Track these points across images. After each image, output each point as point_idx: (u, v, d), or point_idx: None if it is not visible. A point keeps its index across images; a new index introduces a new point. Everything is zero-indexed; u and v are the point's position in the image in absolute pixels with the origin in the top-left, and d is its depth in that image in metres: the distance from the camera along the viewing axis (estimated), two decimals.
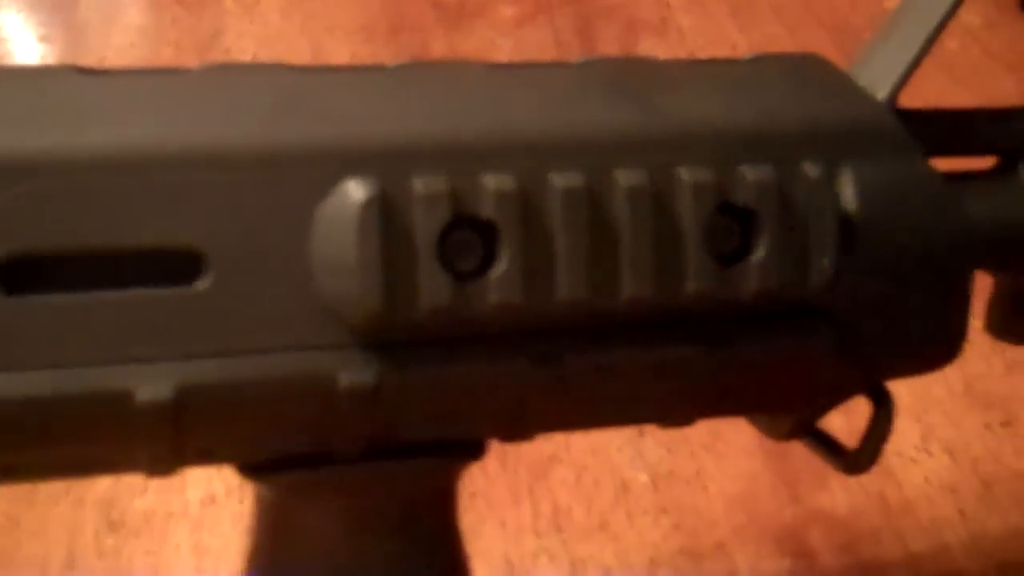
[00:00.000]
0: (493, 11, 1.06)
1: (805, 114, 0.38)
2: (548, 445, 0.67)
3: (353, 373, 0.33)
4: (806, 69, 0.40)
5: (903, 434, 0.69)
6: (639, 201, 0.34)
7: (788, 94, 0.38)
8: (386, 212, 0.32)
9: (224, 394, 0.32)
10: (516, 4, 1.06)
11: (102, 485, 0.64)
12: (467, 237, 0.33)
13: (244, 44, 1.02)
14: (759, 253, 0.35)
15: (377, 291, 0.32)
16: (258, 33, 1.04)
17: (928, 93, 0.99)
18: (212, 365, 0.32)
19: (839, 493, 0.65)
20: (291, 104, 0.34)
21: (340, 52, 1.01)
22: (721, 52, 1.01)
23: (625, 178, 0.34)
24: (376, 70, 0.36)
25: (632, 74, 0.38)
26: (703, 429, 0.68)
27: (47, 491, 0.64)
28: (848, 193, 0.37)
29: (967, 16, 1.08)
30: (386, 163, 0.32)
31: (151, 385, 0.31)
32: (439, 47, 1.01)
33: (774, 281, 0.35)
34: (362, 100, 0.34)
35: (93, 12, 1.10)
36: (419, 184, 0.32)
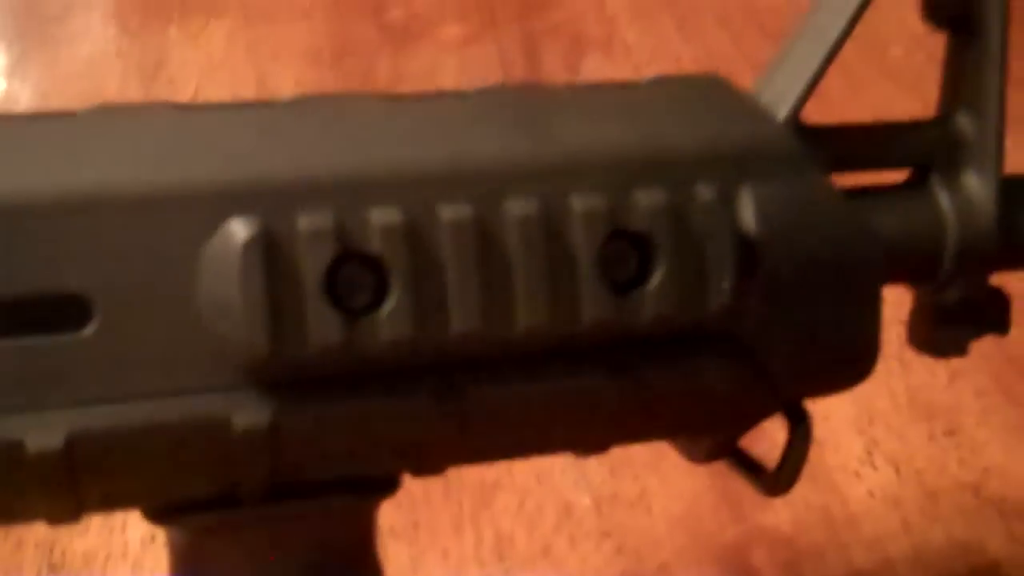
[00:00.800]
0: (439, 31, 1.06)
1: (700, 137, 0.37)
2: (491, 472, 0.67)
3: (247, 415, 0.33)
4: (705, 91, 0.40)
5: (847, 448, 0.69)
6: (530, 231, 0.34)
7: (684, 117, 0.38)
8: (270, 250, 0.31)
9: (117, 440, 0.32)
10: (461, 23, 1.06)
11: (42, 527, 0.64)
12: (357, 273, 0.32)
13: (188, 73, 1.02)
14: (656, 279, 0.35)
15: (263, 331, 0.31)
16: (202, 62, 1.03)
17: (874, 100, 0.99)
18: (103, 411, 0.32)
19: (783, 510, 0.65)
20: (174, 144, 0.33)
21: (286, 78, 1.01)
22: (666, 65, 1.01)
23: (515, 208, 0.34)
24: (266, 106, 0.36)
25: (528, 102, 0.38)
26: (646, 450, 0.68)
27: None
28: (747, 215, 0.37)
29: (912, 22, 1.08)
30: (270, 201, 0.32)
31: (41, 434, 0.31)
32: (385, 69, 1.01)
33: (672, 307, 0.35)
34: (248, 137, 0.34)
35: (36, 42, 1.10)
36: (304, 221, 0.32)
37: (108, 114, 0.34)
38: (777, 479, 0.42)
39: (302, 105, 0.36)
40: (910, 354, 0.74)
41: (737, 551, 0.63)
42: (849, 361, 0.40)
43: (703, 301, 0.36)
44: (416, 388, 0.34)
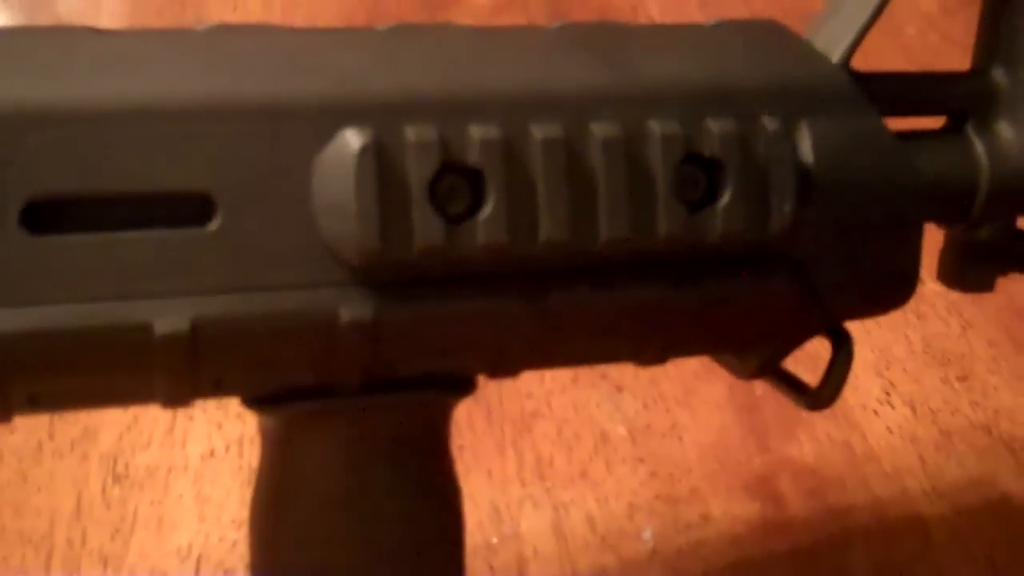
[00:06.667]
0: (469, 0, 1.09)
1: (765, 73, 0.41)
2: (530, 402, 0.71)
3: (353, 309, 0.36)
4: (765, 33, 0.43)
5: (866, 388, 0.73)
6: (613, 151, 0.37)
7: (749, 55, 0.42)
8: (381, 159, 0.35)
9: (235, 327, 0.35)
10: None
11: (106, 441, 0.67)
12: (456, 183, 0.36)
13: None
14: (724, 199, 0.38)
15: (374, 232, 0.35)
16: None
17: None
18: (224, 300, 0.35)
19: (806, 443, 0.69)
20: (291, 60, 0.36)
21: None
22: None
23: (600, 129, 0.37)
24: (367, 31, 0.39)
25: (604, 36, 0.41)
26: (677, 387, 0.72)
27: (53, 448, 0.67)
28: (805, 146, 0.40)
29: (925, 3, 1.12)
30: (380, 114, 0.35)
31: (169, 318, 0.34)
32: None
33: (738, 225, 0.39)
34: (356, 57, 0.37)
35: (73, 4, 1.13)
36: (411, 133, 0.35)
37: (228, 31, 0.37)
38: (820, 394, 0.45)
39: (401, 31, 0.39)
40: (925, 306, 0.79)
41: (764, 478, 0.66)
42: (891, 286, 0.44)
43: (766, 221, 0.39)
44: (506, 291, 0.38)
